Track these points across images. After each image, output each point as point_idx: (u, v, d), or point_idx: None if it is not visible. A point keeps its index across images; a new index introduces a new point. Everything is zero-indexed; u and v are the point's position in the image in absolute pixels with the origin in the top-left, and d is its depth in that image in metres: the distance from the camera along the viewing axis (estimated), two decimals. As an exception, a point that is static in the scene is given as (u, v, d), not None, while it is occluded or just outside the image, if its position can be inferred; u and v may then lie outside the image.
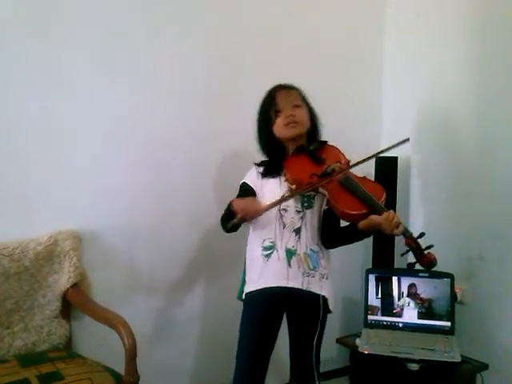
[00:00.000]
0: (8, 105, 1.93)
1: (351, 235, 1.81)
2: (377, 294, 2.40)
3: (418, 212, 2.67)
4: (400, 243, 2.59)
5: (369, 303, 2.40)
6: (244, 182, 1.89)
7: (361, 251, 2.72)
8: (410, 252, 1.73)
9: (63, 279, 1.95)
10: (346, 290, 2.69)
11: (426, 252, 1.71)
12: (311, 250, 1.80)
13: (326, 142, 1.90)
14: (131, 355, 1.64)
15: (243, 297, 1.87)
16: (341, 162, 1.81)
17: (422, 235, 1.71)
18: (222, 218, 1.80)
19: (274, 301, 1.81)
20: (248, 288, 1.86)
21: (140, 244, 2.22)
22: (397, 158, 2.54)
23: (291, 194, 1.77)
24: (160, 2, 2.20)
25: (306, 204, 1.81)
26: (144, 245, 2.23)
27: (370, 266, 2.55)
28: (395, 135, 2.75)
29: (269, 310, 1.82)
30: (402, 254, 1.78)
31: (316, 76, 2.56)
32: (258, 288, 1.82)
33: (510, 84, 2.26)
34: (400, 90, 2.76)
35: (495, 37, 2.31)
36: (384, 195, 1.74)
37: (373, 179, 1.95)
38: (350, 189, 1.74)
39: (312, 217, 1.82)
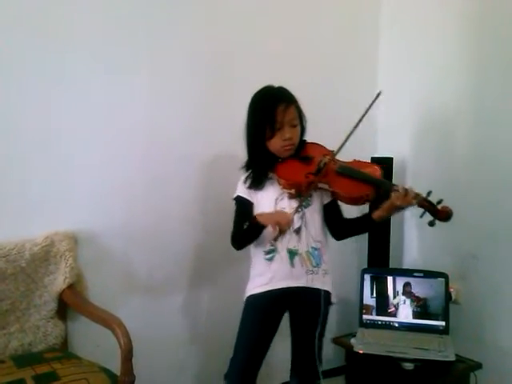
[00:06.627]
0: (6, 105, 1.92)
1: (364, 225, 1.86)
2: (372, 294, 2.41)
3: (412, 212, 2.67)
4: (396, 242, 2.63)
5: (364, 303, 2.41)
6: (238, 196, 1.87)
7: (356, 251, 2.73)
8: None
9: (59, 280, 1.95)
10: (341, 289, 2.65)
11: (439, 207, 1.74)
12: (312, 247, 1.82)
13: (305, 140, 1.90)
14: (127, 356, 1.64)
15: (245, 297, 1.88)
16: (327, 154, 1.84)
17: (429, 193, 1.74)
18: (238, 235, 1.83)
19: (277, 300, 1.83)
20: (251, 290, 1.86)
21: (137, 244, 2.22)
22: (392, 158, 2.55)
23: (304, 195, 1.79)
24: (157, 3, 2.20)
25: (303, 203, 1.81)
26: (141, 245, 2.23)
27: (366, 266, 2.57)
28: (390, 136, 2.80)
29: (271, 308, 1.85)
30: (421, 216, 1.75)
31: (309, 75, 2.57)
32: (262, 291, 1.83)
33: (508, 85, 2.26)
34: (396, 91, 2.76)
35: (493, 37, 2.32)
36: (380, 171, 1.82)
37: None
38: (348, 174, 1.79)
39: (312, 215, 1.83)
